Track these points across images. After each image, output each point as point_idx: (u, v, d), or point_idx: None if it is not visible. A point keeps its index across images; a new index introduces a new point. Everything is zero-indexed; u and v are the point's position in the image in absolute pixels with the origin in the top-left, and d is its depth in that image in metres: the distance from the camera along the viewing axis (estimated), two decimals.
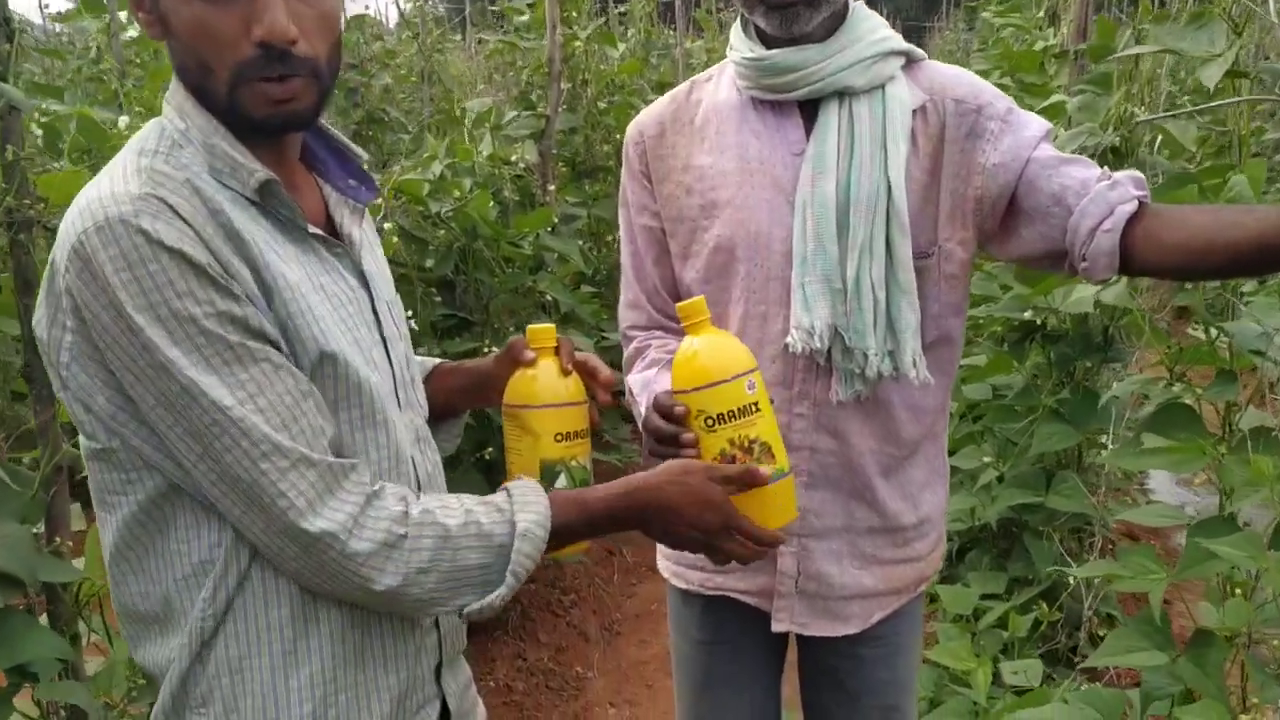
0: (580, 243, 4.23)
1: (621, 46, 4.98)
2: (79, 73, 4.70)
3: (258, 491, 1.00)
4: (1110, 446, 2.79)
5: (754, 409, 1.26)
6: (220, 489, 1.02)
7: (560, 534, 1.14)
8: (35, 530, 1.68)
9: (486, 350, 3.42)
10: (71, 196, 1.08)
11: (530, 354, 1.29)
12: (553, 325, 1.31)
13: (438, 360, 1.45)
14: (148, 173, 1.01)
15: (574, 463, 1.27)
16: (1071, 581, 2.70)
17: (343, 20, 1.13)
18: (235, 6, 1.00)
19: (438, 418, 1.39)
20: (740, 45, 1.54)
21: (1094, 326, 2.70)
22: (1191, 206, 1.53)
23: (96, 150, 1.76)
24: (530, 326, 1.30)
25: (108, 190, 0.99)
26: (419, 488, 1.19)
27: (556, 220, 3.82)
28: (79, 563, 1.76)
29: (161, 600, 1.09)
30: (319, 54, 1.06)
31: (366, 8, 9.66)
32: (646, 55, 5.45)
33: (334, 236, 1.18)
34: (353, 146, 1.23)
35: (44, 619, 1.75)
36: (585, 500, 1.18)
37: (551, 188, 3.94)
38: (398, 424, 1.16)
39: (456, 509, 1.10)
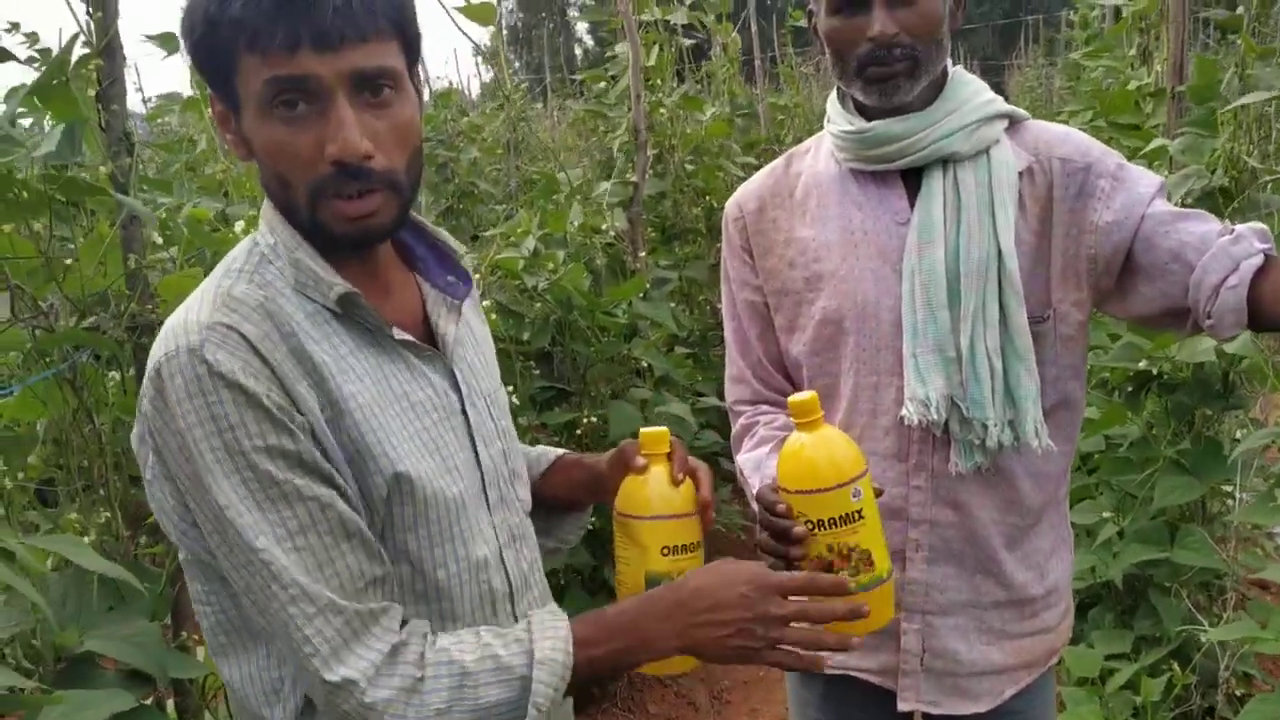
0: (672, 305, 4.25)
1: (709, 110, 5.00)
2: (185, 166, 4.89)
3: (286, 633, 1.01)
4: (1238, 496, 2.67)
5: (857, 516, 1.22)
6: (262, 620, 1.04)
7: (586, 657, 1.09)
8: (163, 623, 1.71)
9: (586, 420, 3.44)
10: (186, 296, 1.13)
11: (641, 461, 1.23)
12: (666, 430, 1.24)
13: (562, 452, 1.44)
14: (224, 299, 1.04)
15: (680, 578, 1.18)
16: (1204, 640, 2.58)
17: (422, 109, 1.14)
18: (310, 126, 1.02)
19: (563, 510, 1.39)
20: (838, 118, 1.53)
21: (1212, 373, 2.60)
22: None
23: (208, 250, 1.82)
24: (643, 431, 1.24)
25: (184, 318, 1.04)
26: (509, 589, 1.19)
27: (648, 286, 3.84)
28: (202, 653, 1.80)
29: (250, 713, 1.11)
30: (396, 165, 1.07)
31: (451, 83, 9.92)
32: (732, 116, 5.46)
33: (430, 337, 1.19)
34: (449, 242, 1.24)
35: (171, 710, 1.78)
36: (605, 612, 1.13)
37: (642, 254, 3.96)
38: (484, 529, 1.17)
39: (473, 645, 1.07)
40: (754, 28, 7.17)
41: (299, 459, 1.02)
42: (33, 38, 5.92)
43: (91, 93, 1.59)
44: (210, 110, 1.09)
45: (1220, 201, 2.41)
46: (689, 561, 1.20)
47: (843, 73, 1.47)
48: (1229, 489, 2.73)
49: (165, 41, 2.28)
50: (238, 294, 1.05)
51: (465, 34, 3.79)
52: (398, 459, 1.08)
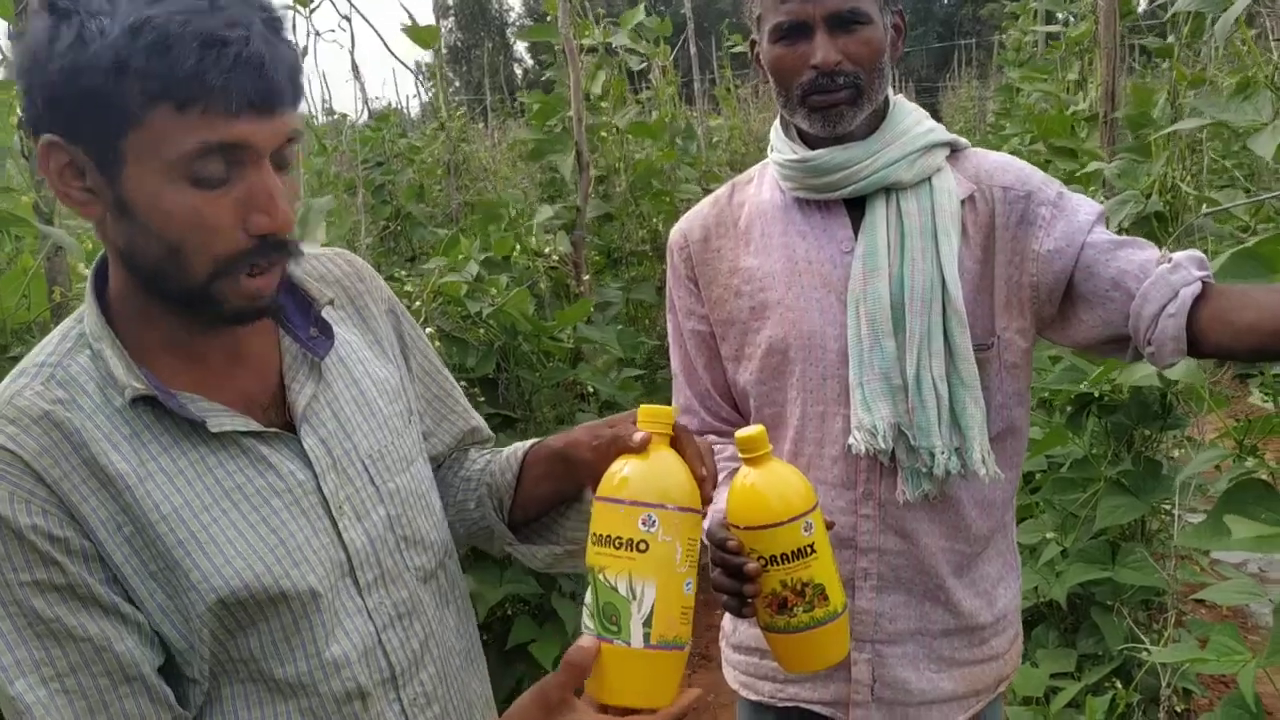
0: (619, 328, 4.23)
1: (662, 134, 5.01)
2: None
3: None
4: (1176, 514, 2.71)
5: (809, 551, 1.19)
6: None
7: None
8: None
9: None
10: None
11: (644, 437, 1.07)
12: (669, 408, 1.10)
13: (530, 444, 1.30)
14: (4, 408, 0.96)
15: (602, 577, 1.04)
16: (1147, 658, 2.60)
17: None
18: (227, 193, 0.95)
19: (558, 505, 1.28)
20: (782, 146, 1.53)
21: (1151, 395, 2.63)
22: (1259, 286, 1.49)
23: None
24: (645, 407, 1.10)
25: None
26: (391, 674, 1.11)
27: (593, 309, 3.82)
28: None
29: None
30: (294, 232, 1.01)
31: (390, 104, 9.84)
32: (673, 139, 5.48)
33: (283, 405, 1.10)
34: (311, 290, 1.14)
35: None
36: None
37: (586, 277, 3.95)
38: (349, 619, 1.08)
39: None
40: (693, 50, 7.22)
41: (72, 592, 0.95)
42: None
43: (14, 119, 1.54)
44: (39, 151, 0.95)
45: (1156, 226, 2.45)
46: (623, 562, 1.03)
47: (786, 101, 1.47)
48: (1169, 508, 2.76)
49: None
50: (21, 403, 0.97)
51: (401, 61, 3.75)
52: (213, 569, 0.99)
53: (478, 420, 1.38)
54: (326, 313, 1.14)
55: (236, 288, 0.98)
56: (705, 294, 1.60)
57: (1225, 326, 1.35)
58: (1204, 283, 1.38)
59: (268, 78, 0.92)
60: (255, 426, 1.05)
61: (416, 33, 3.08)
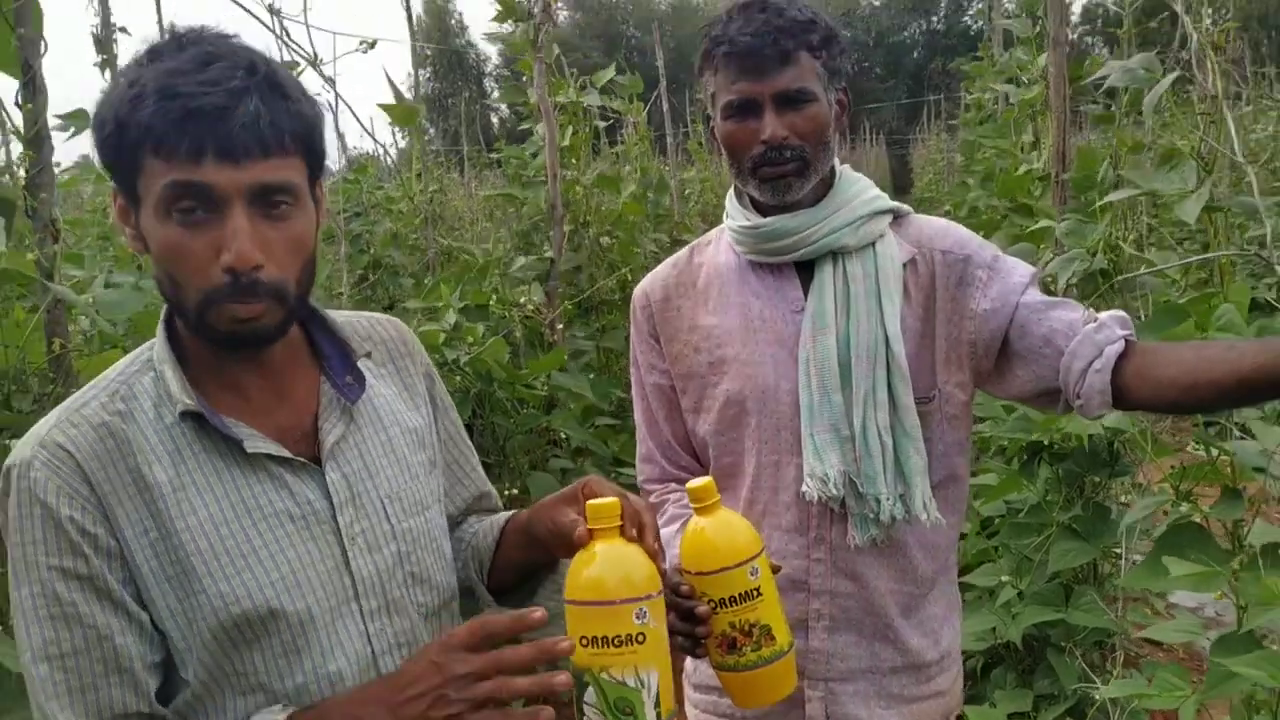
0: (591, 375, 4.33)
1: (627, 189, 5.15)
2: (98, 238, 4.86)
3: None
4: (1125, 558, 2.82)
5: (756, 594, 1.27)
6: None
7: None
8: None
9: (506, 491, 3.48)
10: None
11: (583, 533, 1.13)
12: (616, 501, 1.13)
13: (509, 515, 1.39)
14: (70, 415, 1.11)
15: (606, 675, 1.08)
16: (1098, 697, 2.69)
17: (320, 220, 1.18)
18: (206, 232, 1.06)
19: (537, 572, 1.35)
20: (736, 214, 1.64)
21: (1099, 443, 2.75)
22: (1177, 344, 1.60)
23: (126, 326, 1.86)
24: (590, 503, 1.13)
25: (37, 428, 1.11)
26: None
27: (566, 357, 3.92)
28: None
29: None
30: (286, 276, 1.11)
31: (368, 152, 9.98)
32: (644, 192, 5.62)
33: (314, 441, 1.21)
34: (350, 342, 1.26)
35: None
36: (326, 701, 1.13)
37: (560, 326, 4.05)
38: (348, 640, 1.17)
39: None
40: (665, 105, 7.38)
41: (91, 583, 1.07)
42: None
43: (19, 177, 1.64)
44: (112, 203, 1.13)
45: (1101, 282, 2.58)
46: (619, 658, 1.08)
47: (739, 172, 1.58)
48: (1118, 551, 2.87)
49: (75, 119, 2.30)
50: (86, 412, 1.11)
51: (374, 139, 3.85)
52: (222, 578, 1.10)
53: (489, 488, 1.48)
54: (366, 365, 1.28)
55: (222, 312, 1.08)
56: (666, 350, 1.70)
57: (1146, 381, 1.46)
58: (1127, 341, 1.49)
59: (233, 130, 1.04)
60: (285, 453, 1.16)
61: (396, 112, 3.20)
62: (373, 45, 2.16)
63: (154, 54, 1.07)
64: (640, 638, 1.08)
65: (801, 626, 1.62)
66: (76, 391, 1.20)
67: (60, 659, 1.06)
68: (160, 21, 5.21)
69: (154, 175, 1.06)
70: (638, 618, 1.08)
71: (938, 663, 1.69)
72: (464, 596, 1.39)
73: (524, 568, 1.34)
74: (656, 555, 1.14)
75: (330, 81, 2.43)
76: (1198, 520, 1.97)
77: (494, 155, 6.66)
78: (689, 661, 1.78)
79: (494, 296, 3.80)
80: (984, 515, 3.32)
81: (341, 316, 1.32)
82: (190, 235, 1.06)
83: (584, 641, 1.09)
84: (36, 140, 1.66)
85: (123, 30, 4.25)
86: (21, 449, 1.09)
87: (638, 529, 1.14)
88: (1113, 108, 2.71)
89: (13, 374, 1.61)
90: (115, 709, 1.08)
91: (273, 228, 1.09)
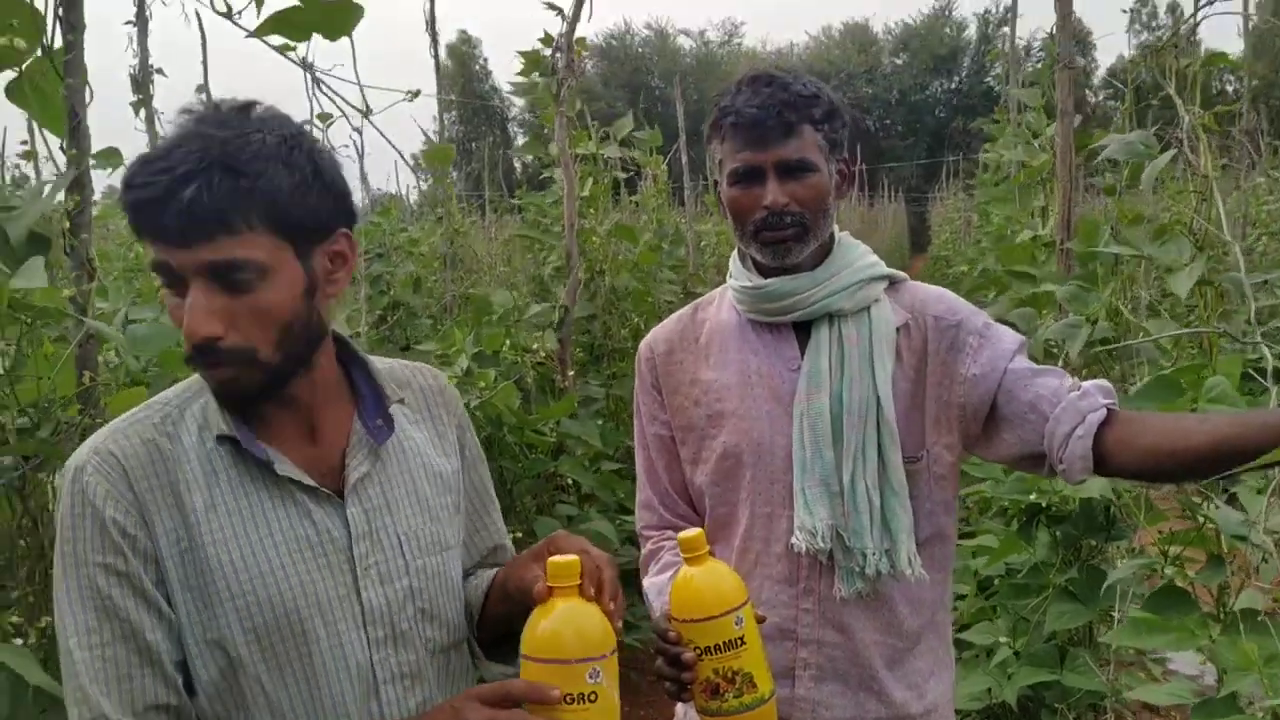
0: (600, 422, 4.39)
1: (643, 239, 5.25)
2: (124, 272, 4.98)
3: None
4: (1119, 621, 2.85)
5: (739, 643, 1.33)
6: None
7: None
8: None
9: (512, 535, 3.53)
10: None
11: (540, 590, 1.18)
12: (575, 559, 1.17)
13: (494, 572, 1.45)
14: (125, 428, 1.23)
15: None
16: None
17: (314, 285, 1.24)
18: (181, 305, 1.16)
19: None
20: (738, 274, 1.72)
21: (1097, 507, 2.79)
22: (1157, 414, 1.66)
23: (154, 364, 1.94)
24: (551, 560, 1.17)
25: (93, 438, 1.23)
26: None
27: (576, 405, 3.99)
28: None
29: None
30: (252, 343, 1.18)
31: (390, 194, 10.15)
32: (660, 243, 5.72)
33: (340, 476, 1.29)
34: (385, 389, 1.34)
35: None
36: None
37: (571, 373, 4.12)
38: (347, 666, 1.24)
39: None
40: (684, 158, 7.50)
41: (129, 580, 1.17)
42: None
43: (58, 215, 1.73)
44: None
45: (1101, 348, 2.64)
46: (572, 715, 1.11)
47: (742, 235, 1.66)
48: (1115, 615, 2.91)
49: (108, 158, 2.38)
50: (139, 427, 1.23)
51: (413, 169, 3.97)
52: (241, 592, 1.20)
53: (505, 541, 1.55)
54: (401, 410, 1.37)
55: (204, 374, 1.21)
56: (668, 401, 1.77)
57: (1126, 449, 1.52)
58: (1109, 409, 1.55)
59: (169, 217, 1.12)
60: (310, 482, 1.25)
61: (432, 153, 3.32)
62: (416, 95, 2.25)
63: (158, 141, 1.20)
64: (592, 696, 1.12)
65: (789, 675, 1.67)
66: (105, 422, 1.29)
67: (100, 648, 1.15)
68: (205, 63, 5.37)
69: (146, 254, 1.21)
70: (590, 677, 1.12)
71: (922, 716, 1.73)
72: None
73: (505, 622, 1.37)
74: (612, 615, 1.18)
75: (358, 131, 2.53)
76: (1182, 584, 2.01)
77: (515, 201, 6.78)
78: (679, 707, 1.83)
79: (507, 342, 3.88)
80: (983, 576, 3.35)
81: (384, 364, 1.41)
82: (174, 306, 1.18)
83: None
84: (78, 183, 1.75)
85: (159, 72, 4.40)
86: (79, 454, 1.21)
87: (596, 587, 1.18)
88: (1112, 178, 2.79)
89: (42, 405, 1.69)
90: (148, 699, 1.17)
91: (235, 300, 1.16)
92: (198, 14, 4.85)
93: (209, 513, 1.21)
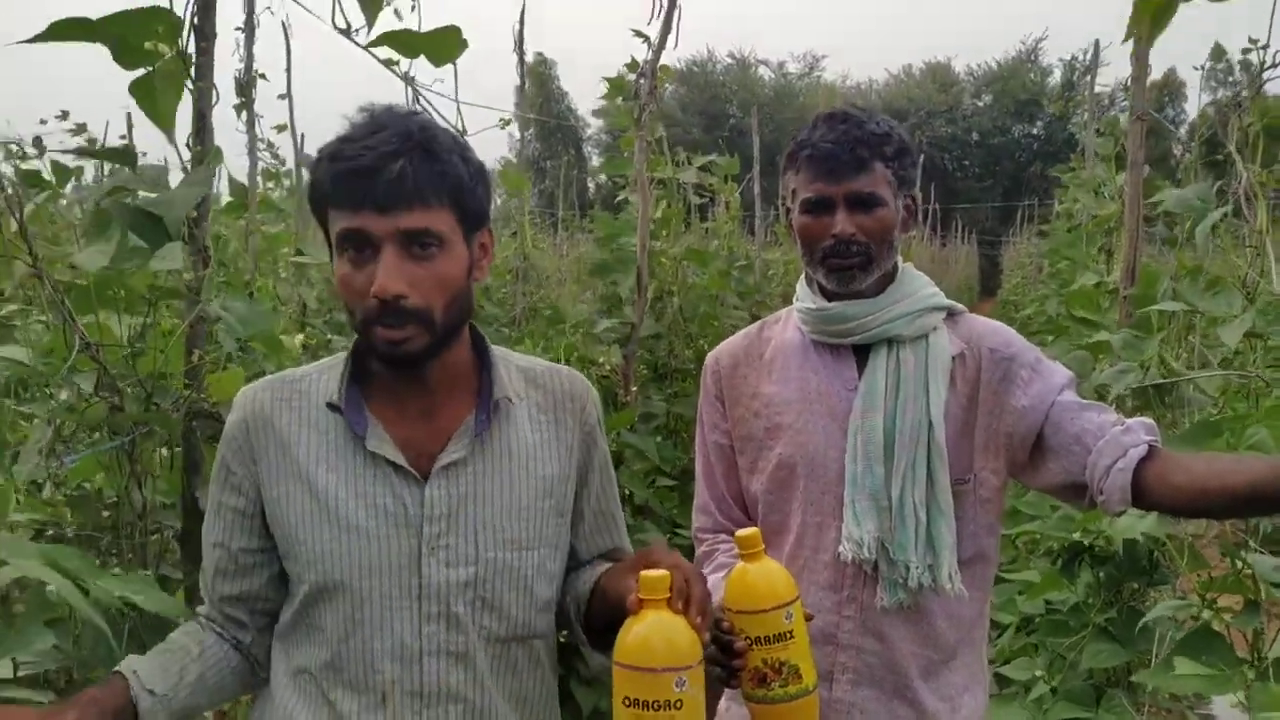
0: (658, 439, 4.50)
1: (712, 262, 5.37)
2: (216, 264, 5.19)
3: None
4: (1155, 664, 2.89)
5: (789, 635, 1.42)
6: None
7: None
8: None
9: None
10: (231, 392, 1.57)
11: (633, 601, 1.25)
12: (666, 575, 1.24)
13: (602, 571, 1.53)
14: (272, 382, 1.47)
15: None
16: None
17: (474, 261, 1.42)
18: (364, 268, 1.32)
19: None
20: (804, 296, 1.82)
21: (1141, 550, 2.84)
22: (1195, 454, 1.73)
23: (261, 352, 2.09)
24: (643, 574, 1.25)
25: (251, 385, 1.48)
26: (419, 689, 1.40)
27: (636, 419, 4.11)
28: None
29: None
30: (431, 305, 1.34)
31: None
32: (729, 268, 5.83)
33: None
34: (495, 385, 1.46)
35: None
36: None
37: (634, 389, 4.24)
38: (397, 629, 1.39)
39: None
40: (757, 188, 7.61)
41: (227, 504, 1.46)
42: (81, 128, 6.27)
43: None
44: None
45: (1153, 395, 2.70)
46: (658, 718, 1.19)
47: (809, 260, 1.77)
48: (1151, 659, 2.95)
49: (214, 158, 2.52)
50: (257, 393, 1.45)
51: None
52: (316, 540, 1.39)
53: (624, 543, 1.66)
54: (523, 409, 1.50)
55: (377, 335, 1.34)
56: (730, 412, 1.88)
57: (1163, 484, 1.60)
58: (1151, 446, 1.63)
59: (382, 186, 1.29)
60: (399, 460, 1.40)
61: (509, 178, 3.47)
62: (507, 124, 2.40)
63: (345, 128, 1.35)
64: (678, 704, 1.20)
65: (828, 677, 1.76)
66: (206, 397, 1.47)
67: (205, 542, 1.49)
68: (289, 69, 5.61)
69: (333, 222, 1.34)
70: (677, 685, 1.20)
71: None
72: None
73: (610, 617, 1.43)
74: (699, 628, 1.25)
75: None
76: (1217, 628, 2.07)
77: (588, 222, 6.94)
78: (723, 702, 1.93)
79: (575, 354, 4.01)
80: (1026, 614, 3.40)
81: (526, 362, 1.55)
82: (354, 270, 1.33)
83: (626, 702, 1.22)
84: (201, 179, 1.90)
85: (261, 76, 4.62)
86: (243, 390, 1.47)
87: (684, 602, 1.25)
88: (1175, 230, 2.85)
89: (157, 377, 1.85)
90: (223, 591, 1.48)
91: (419, 266, 1.33)
92: (284, 25, 5.10)
93: (315, 463, 1.40)
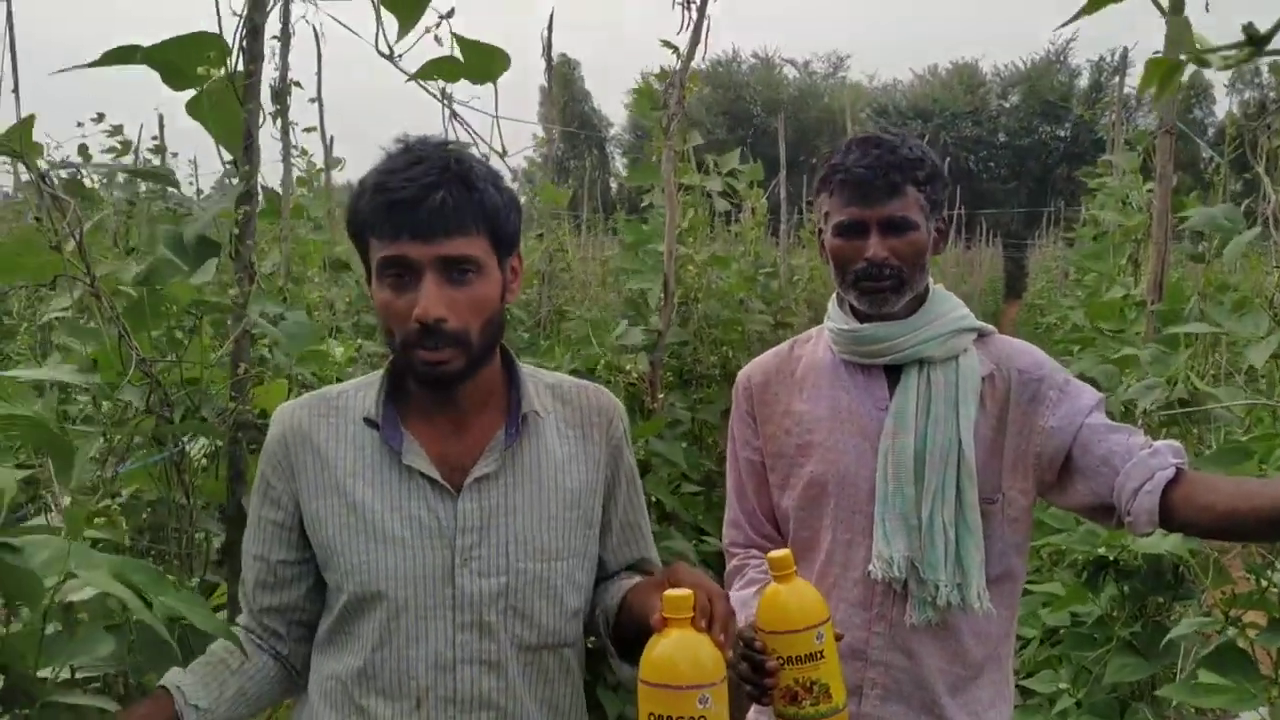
0: (684, 445, 4.54)
1: (733, 265, 5.39)
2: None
3: None
4: (1180, 679, 2.90)
5: (819, 655, 1.46)
6: None
7: None
8: None
9: None
10: (274, 404, 1.64)
11: (657, 619, 1.29)
12: (689, 594, 1.28)
13: (633, 584, 1.57)
14: (310, 399, 1.53)
15: None
16: None
17: (507, 285, 1.48)
18: (406, 292, 1.38)
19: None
20: (836, 317, 1.86)
21: (1166, 565, 2.86)
22: (1222, 477, 1.75)
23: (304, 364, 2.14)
24: (667, 593, 1.28)
25: (290, 402, 1.55)
26: (453, 696, 1.45)
27: (664, 425, 4.14)
28: None
29: None
30: (469, 328, 1.41)
31: None
32: (754, 273, 5.85)
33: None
34: (523, 400, 1.52)
35: None
36: None
37: (661, 396, 4.27)
38: (429, 638, 1.44)
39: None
40: (783, 192, 7.63)
41: (267, 519, 1.52)
42: (117, 129, 6.35)
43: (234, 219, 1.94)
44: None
45: (1178, 410, 2.72)
46: None
47: (841, 282, 1.80)
48: (1176, 674, 2.96)
49: None
50: (296, 411, 1.51)
51: (512, 171, 4.17)
52: (353, 553, 1.45)
53: (651, 554, 1.71)
54: (550, 424, 1.55)
55: (417, 357, 1.40)
56: (761, 429, 1.92)
57: (1190, 506, 1.62)
58: (1178, 469, 1.65)
59: (424, 216, 1.36)
60: (433, 475, 1.46)
61: (548, 191, 3.53)
62: (544, 141, 2.43)
63: (384, 160, 1.41)
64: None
65: (857, 692, 1.80)
66: (249, 408, 1.54)
67: (245, 555, 1.55)
68: (319, 73, 5.68)
69: (374, 250, 1.39)
70: (700, 702, 1.23)
71: None
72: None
73: (637, 630, 1.46)
74: (723, 646, 1.28)
75: (485, 157, 2.72)
76: (1242, 644, 2.09)
77: (612, 223, 6.97)
78: (752, 713, 1.96)
79: (602, 362, 4.05)
80: (1050, 625, 3.42)
81: (554, 379, 1.60)
82: (395, 295, 1.39)
83: (651, 718, 1.25)
84: (248, 195, 1.95)
85: (296, 84, 4.68)
86: (282, 407, 1.54)
87: (708, 620, 1.29)
88: (1202, 247, 2.86)
89: (203, 390, 1.90)
90: (263, 603, 1.54)
91: (457, 290, 1.39)
92: (315, 31, 5.16)
93: (352, 476, 1.46)
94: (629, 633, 1.50)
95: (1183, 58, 0.60)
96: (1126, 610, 2.96)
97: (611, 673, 3.78)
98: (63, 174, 1.78)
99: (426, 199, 1.35)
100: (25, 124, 1.52)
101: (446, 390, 1.46)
